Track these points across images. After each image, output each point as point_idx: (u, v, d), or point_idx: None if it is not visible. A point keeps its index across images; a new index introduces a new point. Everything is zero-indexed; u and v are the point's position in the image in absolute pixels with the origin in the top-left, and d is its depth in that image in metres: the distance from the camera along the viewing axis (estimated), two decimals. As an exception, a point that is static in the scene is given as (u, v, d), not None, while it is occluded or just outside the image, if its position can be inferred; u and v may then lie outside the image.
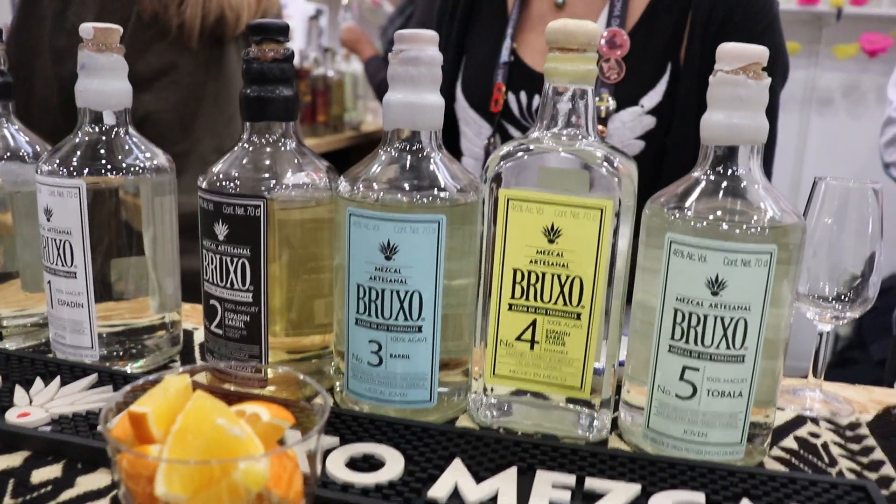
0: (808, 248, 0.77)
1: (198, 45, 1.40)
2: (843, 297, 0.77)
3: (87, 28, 0.75)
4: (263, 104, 0.70)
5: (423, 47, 0.65)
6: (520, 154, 0.64)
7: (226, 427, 0.43)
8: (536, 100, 1.17)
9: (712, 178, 0.62)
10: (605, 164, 0.62)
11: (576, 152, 0.63)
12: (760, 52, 0.60)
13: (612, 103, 1.09)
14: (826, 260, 0.77)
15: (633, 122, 1.11)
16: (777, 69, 1.13)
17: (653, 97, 1.11)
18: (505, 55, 1.20)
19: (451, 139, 1.27)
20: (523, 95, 1.19)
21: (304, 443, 0.45)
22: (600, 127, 1.09)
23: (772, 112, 1.15)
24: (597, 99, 1.08)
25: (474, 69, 1.25)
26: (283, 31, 0.70)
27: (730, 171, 0.62)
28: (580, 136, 0.64)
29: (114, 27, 0.76)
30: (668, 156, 1.11)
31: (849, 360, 2.99)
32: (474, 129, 1.24)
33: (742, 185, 0.62)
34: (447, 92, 1.24)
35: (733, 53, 0.60)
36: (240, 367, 0.69)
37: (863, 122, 3.40)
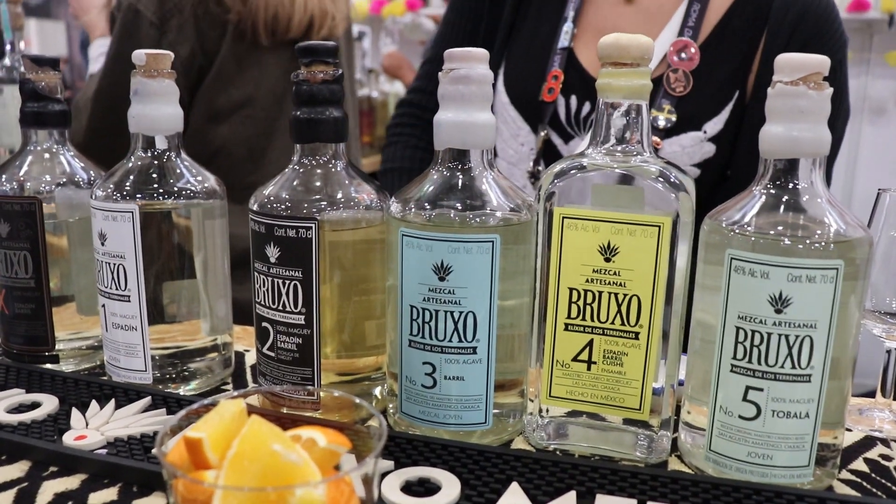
0: (874, 262, 0.75)
1: (275, 65, 1.44)
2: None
3: (139, 55, 0.76)
4: (314, 126, 0.70)
5: (473, 65, 0.64)
6: (573, 171, 0.63)
7: (282, 453, 0.43)
8: (587, 107, 1.10)
9: (773, 192, 0.60)
10: (661, 179, 0.61)
11: (631, 169, 0.61)
12: (821, 62, 0.59)
13: (672, 117, 1.05)
14: (893, 274, 0.74)
15: (693, 148, 1.06)
16: (841, 109, 1.09)
17: (716, 123, 1.06)
18: (564, 40, 1.10)
19: None
20: (573, 100, 1.10)
21: (361, 468, 0.44)
22: (655, 139, 1.05)
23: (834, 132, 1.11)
24: (658, 107, 1.05)
25: (522, 60, 1.14)
26: (332, 53, 0.70)
27: (791, 185, 0.60)
28: (634, 153, 0.62)
29: (165, 53, 0.77)
30: (726, 184, 1.08)
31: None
32: (512, 129, 1.14)
33: (804, 199, 0.60)
34: None
35: (793, 63, 0.59)
36: (293, 390, 0.69)
37: (918, 131, 3.33)
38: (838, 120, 1.09)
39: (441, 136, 0.66)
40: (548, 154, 1.09)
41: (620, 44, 0.61)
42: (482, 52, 0.65)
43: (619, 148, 0.62)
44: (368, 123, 2.79)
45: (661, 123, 1.04)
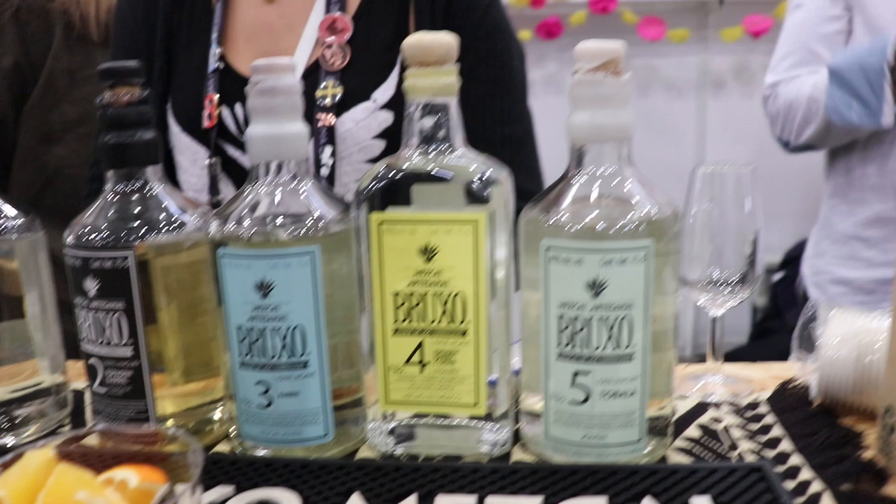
0: (692, 235, 0.78)
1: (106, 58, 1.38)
2: (730, 280, 0.78)
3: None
4: (124, 150, 0.67)
5: (280, 76, 0.63)
6: (391, 174, 0.62)
7: (86, 501, 0.41)
8: None
9: (584, 179, 0.62)
10: (477, 175, 0.61)
11: (447, 167, 0.62)
12: (616, 48, 0.61)
13: (339, 90, 1.01)
14: (710, 245, 0.78)
15: (368, 121, 1.03)
16: (512, 49, 1.09)
17: (385, 90, 1.03)
18: (213, 62, 1.07)
19: (168, 171, 1.11)
20: (238, 109, 1.06)
21: (174, 501, 0.43)
22: (326, 116, 1.01)
23: (513, 97, 1.09)
24: (322, 87, 1.02)
25: (182, 86, 1.10)
26: (135, 72, 0.68)
27: (600, 171, 0.62)
28: (447, 151, 0.63)
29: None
30: None
31: (768, 331, 3.06)
32: (189, 156, 1.09)
33: (614, 182, 0.62)
34: (158, 117, 1.09)
35: (590, 52, 0.60)
36: (113, 427, 0.66)
37: (755, 101, 3.47)
38: (514, 58, 1.09)
39: (255, 151, 0.64)
40: (231, 171, 1.07)
41: (423, 44, 0.61)
42: (287, 62, 0.64)
43: (431, 147, 0.63)
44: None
45: (328, 102, 1.01)
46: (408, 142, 0.64)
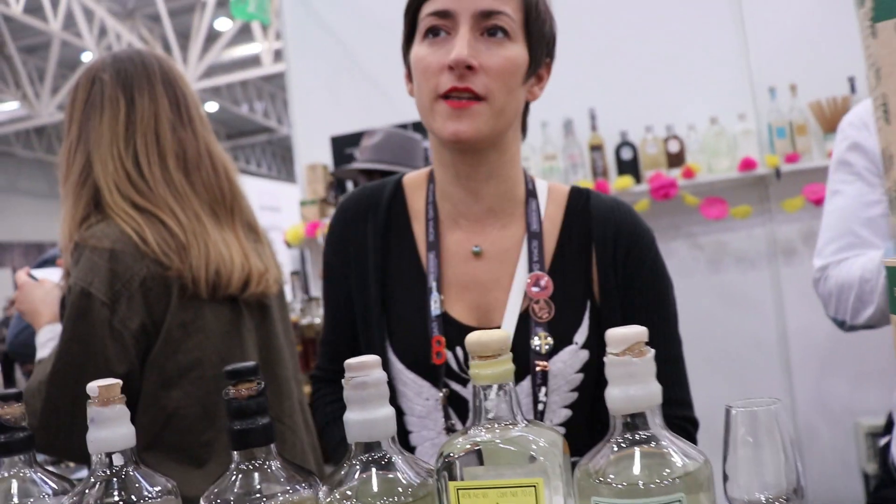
0: (736, 467, 0.88)
1: (217, 325, 1.58)
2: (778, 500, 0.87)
3: (92, 388, 0.89)
4: (246, 435, 0.83)
5: (369, 372, 0.78)
6: (466, 447, 0.76)
7: None
8: None
9: (623, 444, 0.74)
10: (533, 445, 0.74)
11: (509, 442, 0.75)
12: (639, 333, 0.74)
13: (549, 340, 1.20)
14: (755, 476, 0.87)
15: (572, 359, 1.21)
16: (669, 286, 1.31)
17: (582, 332, 1.22)
18: (435, 308, 1.24)
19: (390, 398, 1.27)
20: (459, 351, 1.22)
21: None
22: (543, 363, 1.19)
23: (670, 325, 1.29)
24: (535, 338, 1.20)
25: (404, 330, 1.27)
26: (254, 371, 0.84)
27: (637, 436, 0.74)
28: (509, 423, 0.76)
29: (115, 383, 0.90)
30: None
31: (886, 500, 2.97)
32: (413, 388, 1.25)
33: (651, 444, 0.74)
34: (380, 356, 1.22)
35: (617, 338, 0.74)
36: None
37: (828, 267, 3.55)
38: (668, 290, 1.30)
39: (352, 433, 0.79)
40: (454, 403, 1.23)
41: (482, 341, 0.76)
42: (375, 359, 0.79)
43: (497, 423, 0.76)
44: (314, 351, 2.94)
45: (543, 350, 1.19)
46: (475, 417, 0.77)
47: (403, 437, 1.26)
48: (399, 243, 1.32)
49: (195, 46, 10.81)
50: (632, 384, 0.73)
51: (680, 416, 1.24)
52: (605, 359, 0.75)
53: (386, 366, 1.26)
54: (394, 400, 1.26)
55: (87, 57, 11.58)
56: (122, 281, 1.53)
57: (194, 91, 1.76)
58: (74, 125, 1.65)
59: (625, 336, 0.74)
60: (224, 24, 11.06)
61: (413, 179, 1.37)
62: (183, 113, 1.67)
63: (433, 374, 1.23)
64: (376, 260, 1.30)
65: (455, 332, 1.22)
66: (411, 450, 1.26)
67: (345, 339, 1.35)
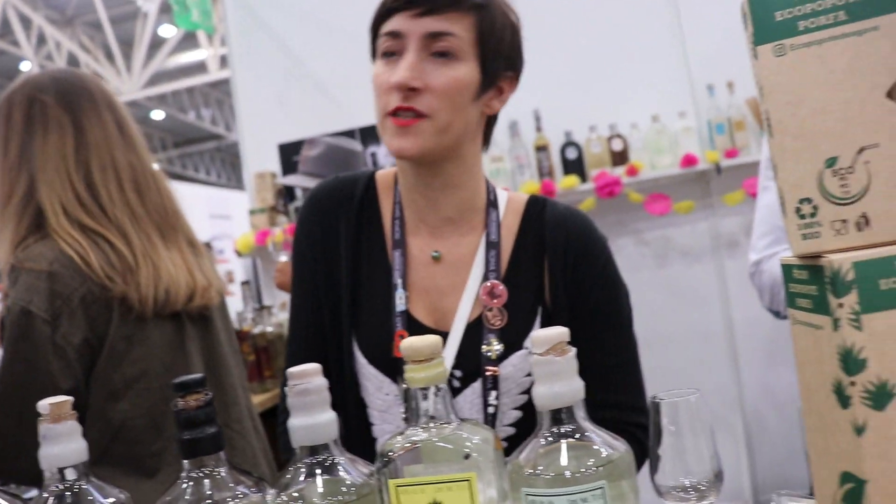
0: (661, 454, 0.94)
1: (160, 337, 1.60)
2: (700, 485, 0.93)
3: (43, 406, 0.92)
4: (196, 445, 0.87)
5: (310, 379, 0.83)
6: (405, 445, 0.81)
7: None
8: None
9: (551, 438, 0.79)
10: (467, 443, 0.79)
11: (444, 440, 0.80)
12: (561, 333, 0.80)
13: (499, 347, 1.25)
14: (679, 461, 0.93)
15: (522, 363, 1.26)
16: (621, 293, 1.36)
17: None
18: (400, 304, 1.29)
19: (353, 391, 1.32)
20: None
21: None
22: (493, 368, 1.24)
23: (622, 331, 1.35)
24: (485, 344, 1.25)
25: (369, 325, 1.32)
26: (201, 383, 0.88)
27: (563, 429, 0.79)
28: (444, 423, 0.81)
29: (67, 400, 0.93)
30: None
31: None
32: (374, 383, 1.30)
33: (577, 436, 0.79)
34: (346, 349, 1.31)
35: (540, 339, 0.80)
36: None
37: (768, 258, 3.67)
38: (622, 296, 1.35)
39: (296, 437, 0.83)
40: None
41: (415, 346, 0.81)
42: (316, 367, 0.83)
43: (432, 424, 0.81)
44: (266, 359, 2.97)
45: (493, 355, 1.25)
46: (413, 417, 0.82)
47: (366, 430, 1.32)
48: (369, 238, 1.36)
49: (139, 54, 10.69)
50: (556, 381, 0.79)
51: (632, 422, 1.24)
52: (531, 359, 0.80)
53: (350, 360, 1.31)
54: (358, 393, 1.32)
55: (25, 66, 11.36)
56: (63, 298, 1.53)
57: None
58: (13, 146, 1.63)
59: (547, 337, 0.79)
60: (168, 31, 10.94)
61: (383, 178, 1.41)
62: (126, 135, 1.69)
63: (393, 369, 1.28)
64: (348, 253, 1.34)
65: (416, 330, 1.26)
66: (374, 441, 1.31)
67: (312, 333, 1.38)
